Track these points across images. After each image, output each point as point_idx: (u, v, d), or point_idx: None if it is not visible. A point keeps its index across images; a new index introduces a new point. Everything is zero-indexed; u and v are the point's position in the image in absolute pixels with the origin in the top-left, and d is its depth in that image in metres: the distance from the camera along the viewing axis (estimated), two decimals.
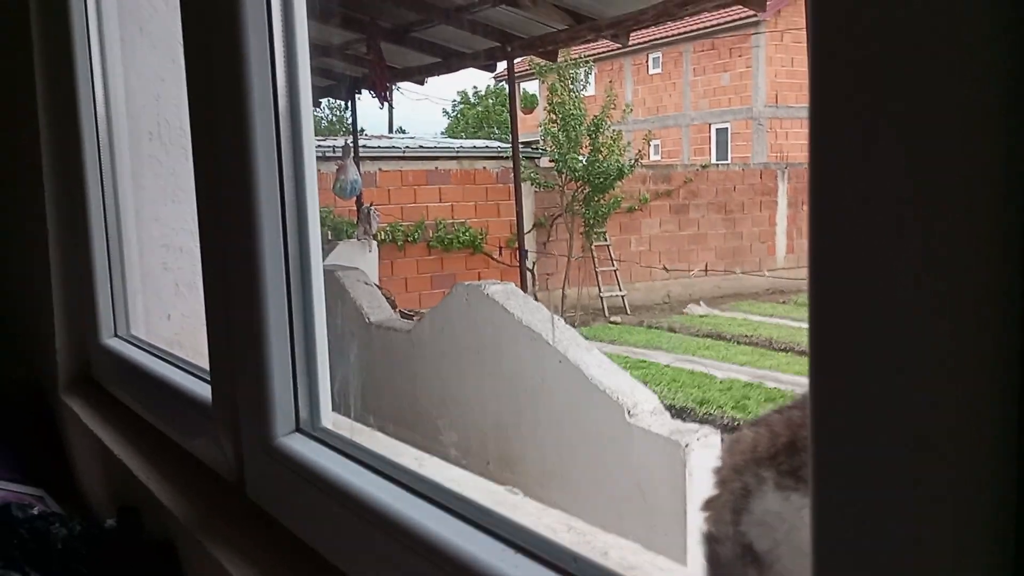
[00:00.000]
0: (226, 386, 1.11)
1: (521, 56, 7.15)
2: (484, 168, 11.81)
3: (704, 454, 3.06)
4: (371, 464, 0.91)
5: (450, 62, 7.13)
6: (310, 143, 1.00)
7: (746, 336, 9.58)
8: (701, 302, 12.15)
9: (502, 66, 7.35)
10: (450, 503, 0.79)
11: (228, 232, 1.04)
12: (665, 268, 12.60)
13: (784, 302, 12.11)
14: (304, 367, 1.02)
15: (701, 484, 3.05)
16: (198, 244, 1.15)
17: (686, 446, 3.06)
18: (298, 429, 1.01)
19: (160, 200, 1.83)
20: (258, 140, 0.96)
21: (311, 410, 1.02)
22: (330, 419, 1.04)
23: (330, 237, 9.56)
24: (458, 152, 11.98)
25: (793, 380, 7.42)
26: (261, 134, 0.96)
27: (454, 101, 33.44)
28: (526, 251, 9.58)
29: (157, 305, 1.79)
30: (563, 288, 11.59)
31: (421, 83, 7.66)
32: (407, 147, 11.76)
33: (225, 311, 1.09)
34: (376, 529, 0.81)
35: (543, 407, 3.65)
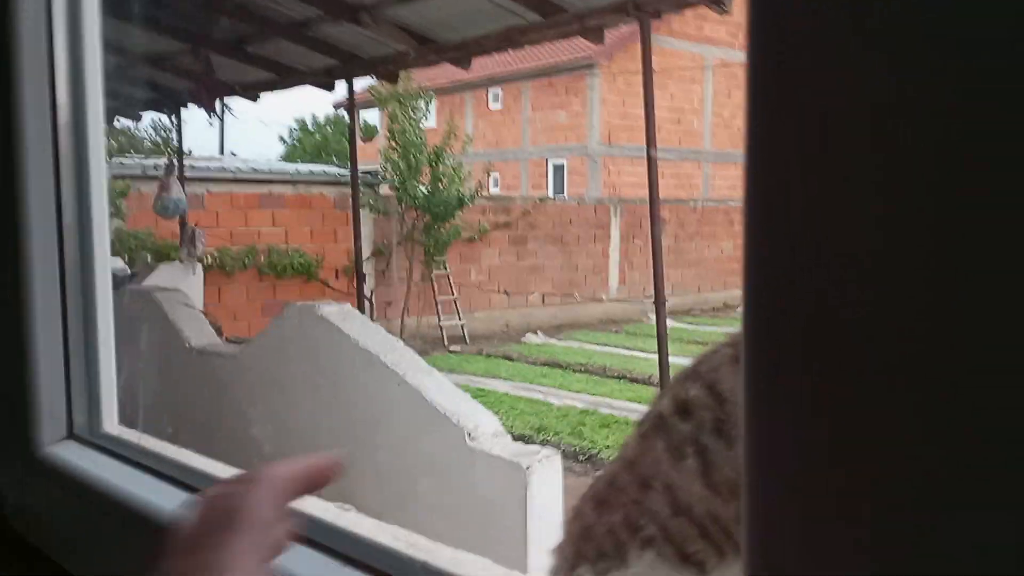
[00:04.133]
0: None
1: (361, 75, 6.98)
2: (321, 193, 11.47)
3: (545, 475, 2.99)
4: (170, 475, 0.74)
5: (286, 78, 6.86)
6: (97, 147, 0.85)
7: (581, 364, 9.77)
8: (538, 331, 12.31)
9: (341, 89, 7.16)
10: None
11: None
12: (506, 292, 12.70)
13: (617, 331, 12.50)
14: (81, 369, 0.84)
15: (542, 506, 2.99)
16: None
17: (527, 468, 2.99)
18: (71, 436, 0.82)
19: None
20: (28, 142, 0.80)
21: (89, 415, 0.83)
22: (114, 426, 0.85)
23: (150, 259, 8.91)
24: (294, 176, 11.58)
25: (625, 406, 7.61)
26: (34, 136, 0.80)
27: (291, 128, 32.59)
28: (364, 275, 9.33)
29: None
30: (402, 317, 11.39)
31: (254, 99, 7.32)
32: (238, 169, 11.23)
33: None
34: None
35: (382, 432, 3.47)
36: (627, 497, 0.78)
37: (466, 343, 11.66)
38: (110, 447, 0.80)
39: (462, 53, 5.59)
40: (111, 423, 0.85)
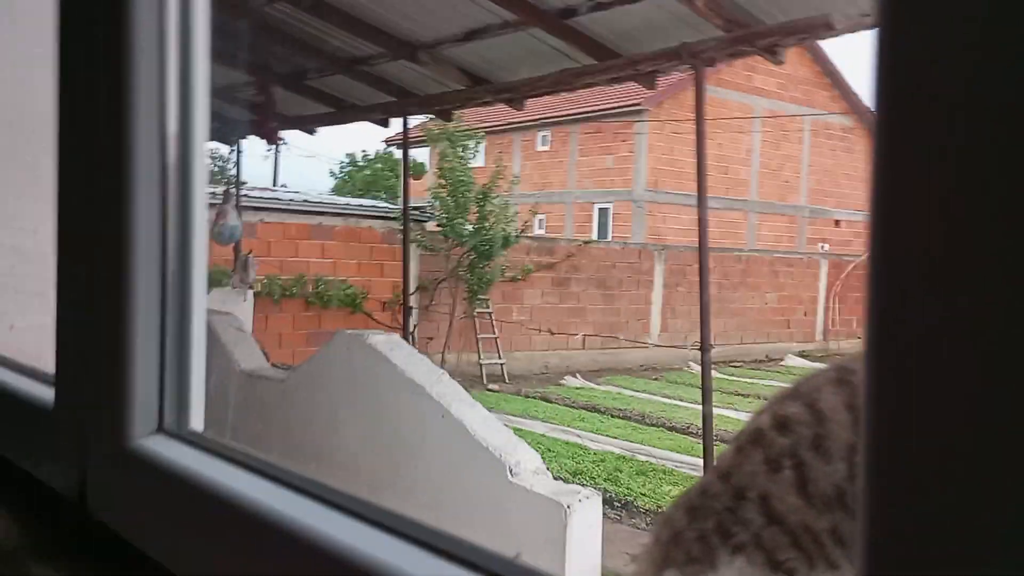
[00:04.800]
0: (75, 381, 0.94)
1: (416, 112, 7.13)
2: (369, 227, 11.66)
3: (585, 515, 2.97)
4: (258, 468, 0.78)
5: (343, 114, 7.03)
6: (200, 164, 0.91)
7: (619, 409, 9.70)
8: (578, 374, 12.26)
9: (394, 125, 7.32)
10: (365, 511, 0.67)
11: (97, 222, 0.91)
12: (550, 331, 12.70)
13: (657, 379, 12.38)
14: (174, 367, 0.88)
15: (581, 545, 2.96)
16: (38, 246, 1.01)
17: (568, 507, 2.97)
18: (161, 430, 0.86)
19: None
20: (139, 155, 0.86)
21: (179, 410, 0.87)
22: (201, 424, 0.89)
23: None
24: (344, 209, 11.80)
25: (663, 455, 7.52)
26: (143, 153, 0.86)
27: (342, 163, 33.21)
28: (410, 308, 9.42)
29: None
30: (443, 352, 11.44)
31: (311, 132, 7.52)
32: (291, 200, 11.48)
33: (81, 302, 0.94)
34: (271, 541, 0.67)
35: (423, 463, 3.49)
36: (720, 505, 0.81)
37: (505, 382, 11.65)
38: (199, 442, 0.84)
39: (516, 94, 5.70)
40: (198, 421, 0.89)
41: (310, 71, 6.51)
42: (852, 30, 2.86)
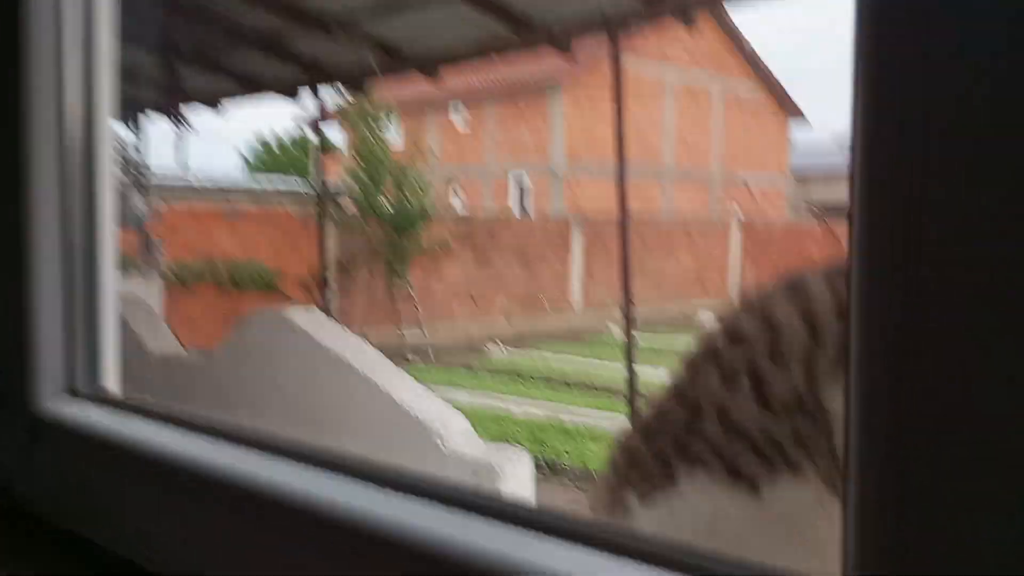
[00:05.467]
0: None
1: (328, 84, 6.95)
2: (282, 207, 11.40)
3: (516, 473, 3.01)
4: (182, 420, 0.75)
5: (251, 88, 6.80)
6: (104, 134, 0.87)
7: (543, 375, 9.80)
8: (500, 343, 12.33)
9: (304, 103, 7.14)
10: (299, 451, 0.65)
11: None
12: (471, 298, 12.70)
13: (578, 342, 12.56)
14: (84, 325, 0.85)
15: None
16: None
17: (499, 467, 3.00)
18: (71, 392, 0.82)
19: None
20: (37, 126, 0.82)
21: (90, 371, 0.84)
22: (116, 384, 0.86)
23: None
24: (255, 190, 11.50)
25: (586, 413, 7.65)
26: (40, 108, 0.83)
27: (253, 144, 32.31)
28: (329, 286, 9.28)
29: None
30: (363, 328, 11.33)
31: (219, 109, 7.25)
32: (199, 182, 11.12)
33: None
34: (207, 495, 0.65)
35: (350, 436, 3.46)
36: (677, 423, 0.81)
37: (427, 355, 11.63)
38: (113, 401, 0.81)
39: (431, 64, 5.62)
40: (113, 382, 0.85)
41: (216, 46, 6.27)
42: None
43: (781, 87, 22.83)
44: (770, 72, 22.45)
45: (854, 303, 0.33)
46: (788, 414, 0.76)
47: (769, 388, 0.77)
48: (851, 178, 0.34)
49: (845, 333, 0.35)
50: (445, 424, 3.27)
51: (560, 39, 4.04)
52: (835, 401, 0.76)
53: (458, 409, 7.75)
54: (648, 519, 0.80)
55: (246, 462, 0.67)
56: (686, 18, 3.40)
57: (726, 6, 20.71)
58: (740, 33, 21.79)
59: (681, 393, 0.82)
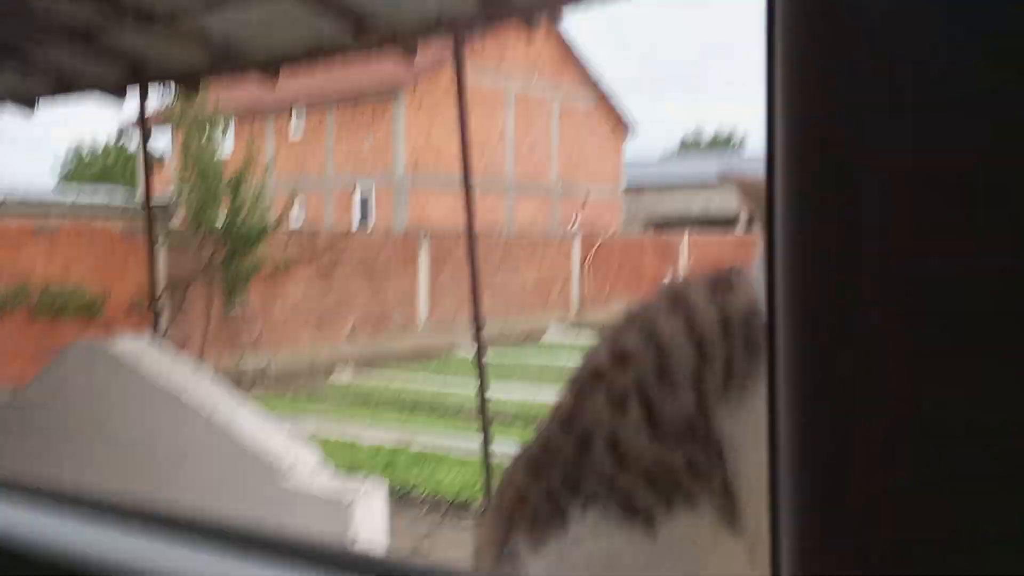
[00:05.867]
0: None
1: (155, 82, 6.48)
2: (105, 225, 10.59)
3: (370, 510, 2.87)
4: None
5: (69, 87, 6.25)
6: None
7: (392, 400, 9.64)
8: (347, 367, 12.02)
9: (128, 108, 6.63)
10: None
11: None
12: (316, 325, 12.30)
13: (427, 363, 12.45)
14: None
15: (367, 540, 2.86)
16: None
17: (350, 503, 2.85)
18: None
19: None
20: None
21: None
22: None
23: None
24: (73, 205, 10.62)
25: (436, 442, 7.55)
26: None
27: (69, 152, 29.98)
28: (160, 311, 8.67)
29: None
30: (200, 356, 10.70)
31: (31, 108, 6.62)
32: (6, 197, 10.15)
33: None
34: None
35: (186, 474, 3.19)
36: (565, 457, 0.75)
37: (270, 382, 11.14)
38: None
39: (268, 64, 5.36)
40: None
41: (26, 38, 5.71)
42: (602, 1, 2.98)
43: (614, 99, 23.76)
44: (604, 83, 23.30)
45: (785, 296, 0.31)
46: (681, 442, 0.73)
47: (660, 413, 0.73)
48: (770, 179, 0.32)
49: (768, 331, 0.32)
50: (292, 458, 3.08)
51: (403, 41, 3.94)
52: (725, 425, 0.73)
53: (302, 438, 7.49)
54: (538, 566, 0.74)
55: (66, 533, 0.54)
56: (528, 24, 3.41)
57: (562, 14, 21.34)
58: (575, 43, 22.53)
59: (568, 421, 0.77)
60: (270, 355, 11.59)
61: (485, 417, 3.66)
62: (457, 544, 5.11)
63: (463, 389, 9.20)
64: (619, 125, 24.26)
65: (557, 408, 0.79)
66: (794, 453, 0.30)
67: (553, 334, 15.67)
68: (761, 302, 0.74)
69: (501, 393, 7.96)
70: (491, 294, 14.89)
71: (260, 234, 11.26)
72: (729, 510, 0.73)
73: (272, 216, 11.76)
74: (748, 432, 0.72)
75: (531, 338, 15.07)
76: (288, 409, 9.18)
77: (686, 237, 20.39)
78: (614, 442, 0.73)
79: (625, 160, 24.96)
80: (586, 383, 0.77)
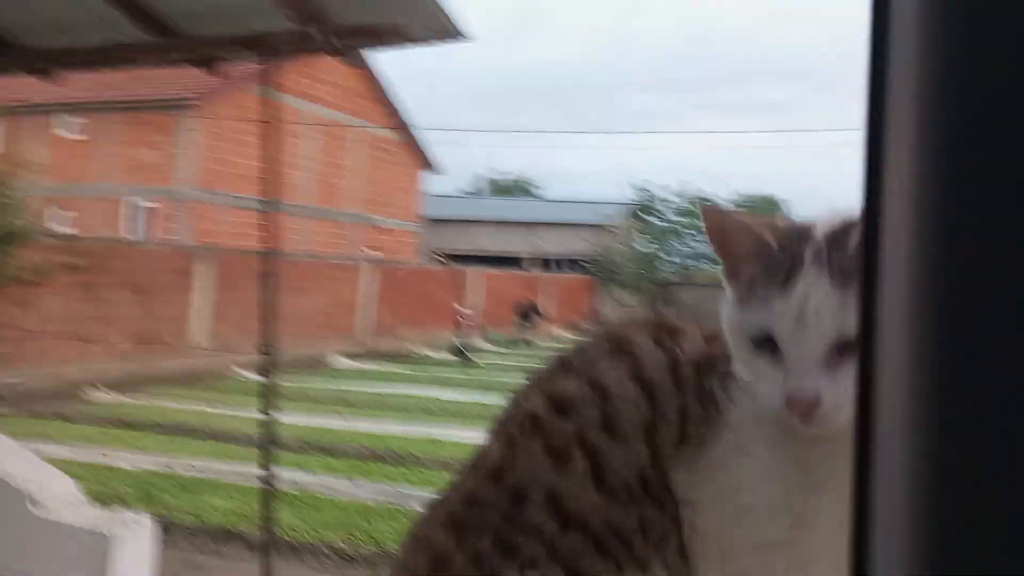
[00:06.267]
0: None
1: None
2: None
3: (134, 543, 2.64)
4: None
5: None
6: None
7: (157, 422, 8.98)
8: (107, 388, 11.04)
9: None
10: None
11: None
12: (77, 339, 11.18)
13: (200, 387, 11.73)
14: None
15: (130, 573, 2.62)
16: None
17: (110, 534, 2.61)
18: None
19: None
20: None
21: None
22: None
23: None
24: None
25: (206, 465, 7.12)
26: None
27: None
28: None
29: None
30: None
31: None
32: None
33: None
34: None
35: None
36: (495, 515, 0.67)
37: (15, 402, 9.98)
38: None
39: (44, 62, 4.89)
40: None
41: None
42: (426, 41, 3.00)
43: (416, 136, 24.01)
44: (406, 120, 23.50)
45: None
46: (633, 500, 0.66)
47: (608, 467, 0.67)
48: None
49: (863, 347, 0.30)
50: (41, 486, 2.77)
51: (206, 54, 3.74)
52: (682, 481, 0.68)
53: (54, 464, 6.80)
54: None
55: None
56: (338, 55, 3.35)
57: (376, 49, 21.30)
58: (385, 78, 22.57)
59: (497, 472, 0.68)
60: (18, 372, 10.38)
61: (269, 442, 3.51)
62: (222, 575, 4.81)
63: (239, 413, 8.75)
64: (421, 160, 24.49)
65: (482, 457, 0.70)
66: (923, 461, 0.29)
67: (339, 360, 15.36)
68: (721, 348, 0.70)
69: (284, 419, 7.62)
70: (277, 318, 14.32)
71: (13, 239, 10.12)
72: None
73: (31, 222, 10.63)
74: (707, 488, 0.67)
75: (317, 364, 14.66)
76: (37, 433, 8.26)
77: (476, 272, 20.84)
78: (555, 498, 0.66)
79: (425, 194, 25.16)
80: (518, 430, 0.70)
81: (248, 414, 7.35)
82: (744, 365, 0.68)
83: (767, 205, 28.63)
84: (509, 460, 0.68)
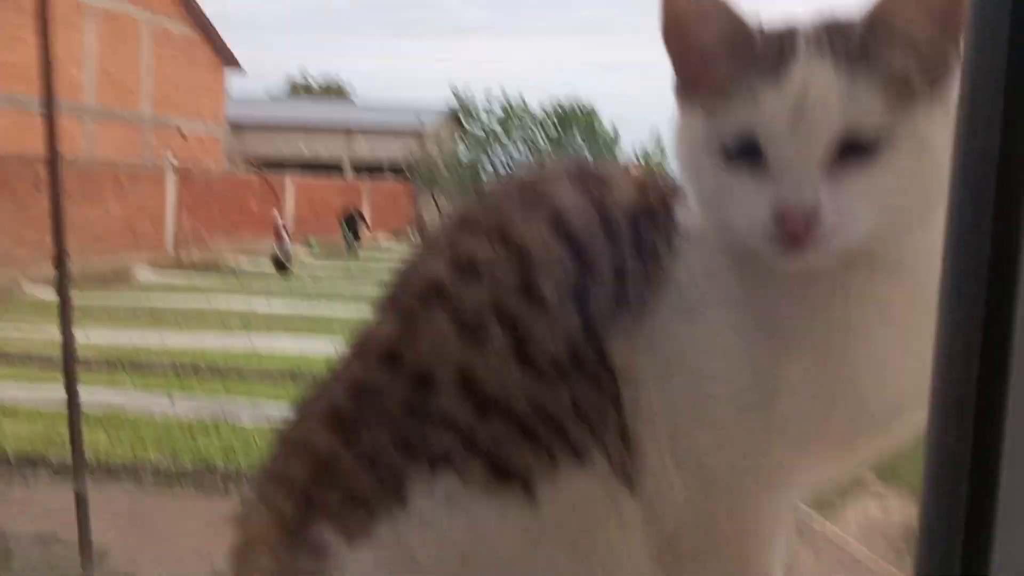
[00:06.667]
0: None
1: None
2: None
3: None
4: None
5: None
6: None
7: None
8: None
9: None
10: None
11: None
12: None
13: None
14: None
15: None
16: None
17: None
18: None
19: None
20: None
21: None
22: None
23: None
24: None
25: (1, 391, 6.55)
26: None
27: None
28: None
29: None
30: None
31: None
32: None
33: None
34: None
35: None
36: (393, 406, 0.55)
37: None
38: None
39: None
40: None
41: None
42: None
43: (216, 31, 22.26)
44: (204, 14, 21.70)
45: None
46: (563, 377, 0.56)
47: (531, 340, 0.56)
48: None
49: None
50: None
51: None
52: (620, 352, 0.57)
53: None
54: (361, 564, 0.54)
55: None
56: None
57: None
58: None
59: (393, 356, 0.55)
60: None
61: (70, 362, 3.24)
62: (27, 504, 4.48)
63: (36, 335, 8.04)
64: (222, 60, 22.76)
65: (368, 338, 0.57)
66: None
67: (144, 273, 14.42)
68: (657, 196, 0.59)
69: (89, 337, 7.07)
70: (69, 229, 13.10)
71: None
72: (626, 463, 0.58)
73: None
74: (652, 359, 0.57)
75: (118, 279, 13.67)
76: None
77: (291, 179, 19.97)
78: (468, 380, 0.55)
79: (229, 97, 23.54)
80: (416, 303, 0.58)
81: (46, 336, 6.80)
82: (709, 193, 0.58)
83: (587, 116, 29.13)
84: (407, 338, 0.56)
